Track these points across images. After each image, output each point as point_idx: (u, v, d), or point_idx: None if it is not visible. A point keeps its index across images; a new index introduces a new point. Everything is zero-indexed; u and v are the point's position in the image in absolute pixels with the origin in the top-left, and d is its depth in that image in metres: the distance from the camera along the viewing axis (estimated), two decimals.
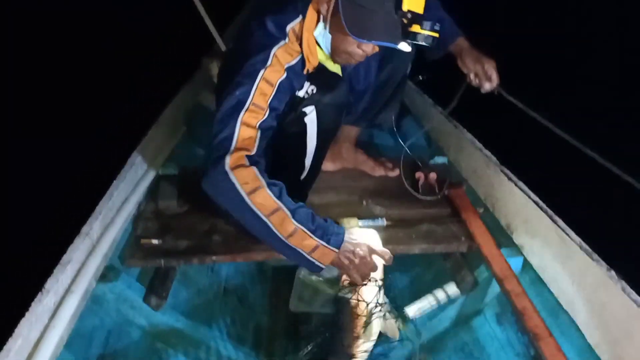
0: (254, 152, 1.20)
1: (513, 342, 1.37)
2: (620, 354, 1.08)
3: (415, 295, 1.51)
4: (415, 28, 1.16)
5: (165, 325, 1.46)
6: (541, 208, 1.37)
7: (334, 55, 1.33)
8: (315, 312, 1.39)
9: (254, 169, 1.16)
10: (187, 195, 1.66)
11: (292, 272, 1.39)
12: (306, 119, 1.38)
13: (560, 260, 1.28)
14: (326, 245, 1.20)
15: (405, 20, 1.15)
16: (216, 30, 2.33)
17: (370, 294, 1.26)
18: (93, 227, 1.35)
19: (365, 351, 1.20)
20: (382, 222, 1.57)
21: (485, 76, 1.53)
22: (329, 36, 1.28)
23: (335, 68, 1.47)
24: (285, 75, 1.26)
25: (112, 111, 3.32)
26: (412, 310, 1.46)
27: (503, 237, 1.53)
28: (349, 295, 1.26)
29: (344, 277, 1.30)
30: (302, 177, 1.53)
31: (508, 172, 1.57)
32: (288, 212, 1.17)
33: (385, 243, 1.49)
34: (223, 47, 2.30)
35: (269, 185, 1.17)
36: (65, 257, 1.23)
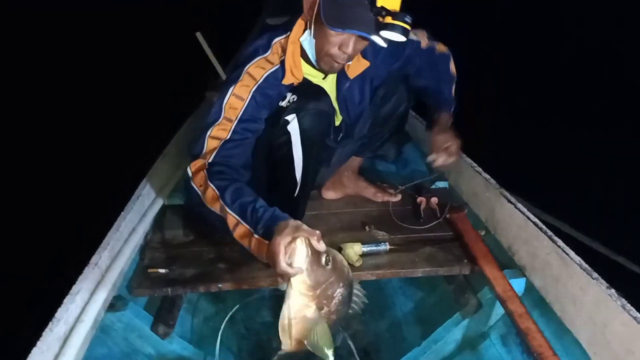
0: (211, 159, 1.26)
1: None
2: None
3: (420, 319, 1.52)
4: (388, 19, 1.22)
5: (173, 353, 1.47)
6: (540, 229, 1.39)
7: (318, 60, 1.38)
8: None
9: (205, 172, 1.23)
10: (193, 224, 1.69)
11: None
12: (289, 127, 1.43)
13: (562, 280, 1.29)
14: (260, 237, 1.09)
15: (380, 19, 1.22)
16: (219, 63, 2.42)
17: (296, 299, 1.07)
18: (102, 257, 1.37)
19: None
20: (386, 246, 1.59)
21: (446, 152, 1.57)
22: (313, 41, 1.34)
23: (320, 82, 1.51)
24: (256, 86, 1.34)
25: (119, 144, 3.42)
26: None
27: (505, 259, 1.55)
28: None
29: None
30: (296, 193, 1.56)
31: (507, 194, 1.60)
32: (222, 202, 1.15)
33: (389, 267, 1.51)
34: None
35: (214, 183, 1.19)
36: (75, 287, 1.25)
